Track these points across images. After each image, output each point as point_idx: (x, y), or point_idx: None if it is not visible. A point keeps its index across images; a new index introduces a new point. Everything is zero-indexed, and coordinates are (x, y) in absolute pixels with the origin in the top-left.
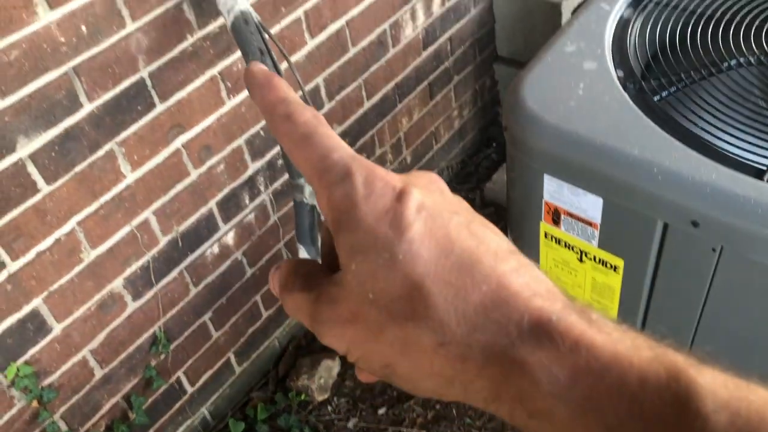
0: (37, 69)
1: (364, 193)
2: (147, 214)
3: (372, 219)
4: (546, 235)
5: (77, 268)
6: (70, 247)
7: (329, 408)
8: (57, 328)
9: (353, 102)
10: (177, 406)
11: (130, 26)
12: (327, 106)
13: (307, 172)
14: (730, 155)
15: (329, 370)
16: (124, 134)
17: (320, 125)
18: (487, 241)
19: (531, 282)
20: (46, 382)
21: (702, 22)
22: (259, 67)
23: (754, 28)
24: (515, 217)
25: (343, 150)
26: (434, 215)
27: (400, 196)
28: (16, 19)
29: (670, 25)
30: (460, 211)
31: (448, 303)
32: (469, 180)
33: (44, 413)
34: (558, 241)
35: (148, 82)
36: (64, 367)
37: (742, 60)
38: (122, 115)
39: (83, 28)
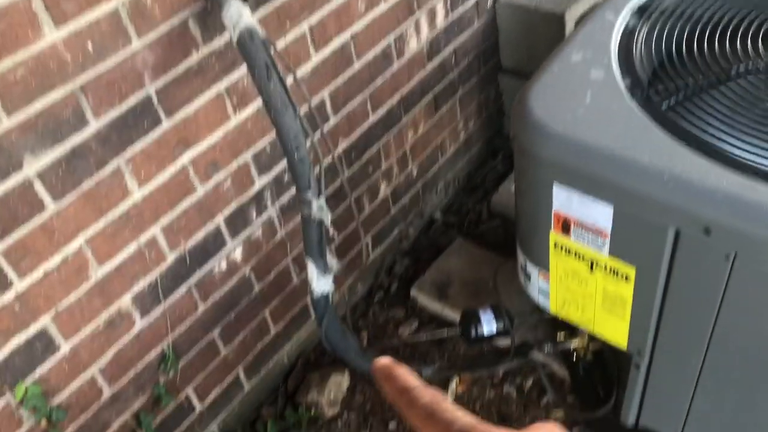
0: (44, 87)
1: None
2: (154, 230)
3: None
4: (556, 246)
5: (85, 286)
6: (77, 265)
7: (339, 423)
8: (65, 347)
9: (359, 115)
10: (186, 423)
11: (136, 43)
12: (332, 120)
13: None
14: (741, 160)
15: (339, 384)
16: (130, 151)
17: (440, 403)
18: None
19: None
20: (55, 401)
21: (708, 30)
22: (383, 362)
23: (761, 34)
24: (524, 228)
25: (462, 420)
26: None
27: None
28: (22, 37)
29: (676, 33)
30: None
31: None
32: (475, 192)
33: None
34: (568, 251)
35: (155, 99)
36: (73, 386)
37: (749, 66)
38: (129, 132)
39: (89, 45)
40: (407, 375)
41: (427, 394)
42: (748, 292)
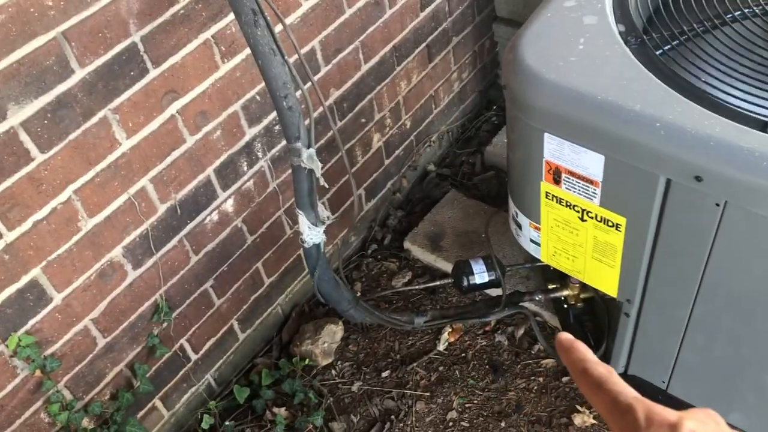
0: (25, 34)
1: (644, 426)
2: (144, 181)
3: None
4: (547, 195)
5: (75, 237)
6: (67, 216)
7: (333, 372)
8: (57, 298)
9: (350, 65)
10: (181, 373)
11: None
12: (324, 70)
13: (601, 411)
14: (734, 108)
15: (332, 334)
16: (117, 101)
17: (610, 376)
18: None
19: None
20: (49, 351)
21: None
22: (565, 336)
23: None
24: (515, 178)
25: (628, 393)
26: None
27: (675, 427)
28: None
29: None
30: None
31: None
32: (469, 144)
33: (48, 382)
34: (559, 201)
35: (141, 47)
36: (66, 337)
37: (746, 11)
38: (115, 81)
39: None
40: (585, 349)
41: (601, 367)
42: (738, 240)
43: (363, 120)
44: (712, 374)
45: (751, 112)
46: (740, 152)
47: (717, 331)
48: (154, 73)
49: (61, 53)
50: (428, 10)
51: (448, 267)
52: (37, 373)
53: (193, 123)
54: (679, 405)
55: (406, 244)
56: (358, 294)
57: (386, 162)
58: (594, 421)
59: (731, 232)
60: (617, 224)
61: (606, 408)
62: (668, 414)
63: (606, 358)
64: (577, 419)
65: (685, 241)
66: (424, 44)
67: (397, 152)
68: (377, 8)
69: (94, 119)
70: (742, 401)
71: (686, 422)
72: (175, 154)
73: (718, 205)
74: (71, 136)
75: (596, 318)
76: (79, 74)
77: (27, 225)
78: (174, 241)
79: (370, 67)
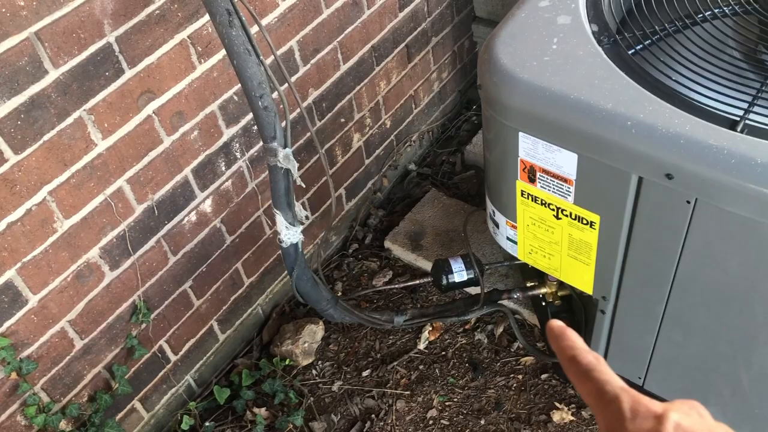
0: None
1: (629, 416)
2: (120, 182)
3: None
4: (522, 194)
5: (51, 239)
6: (42, 218)
7: (314, 372)
8: (33, 300)
9: (329, 65)
10: (160, 374)
11: None
12: (302, 70)
13: (587, 399)
14: (704, 107)
15: (313, 334)
16: (92, 101)
17: (598, 365)
18: None
19: None
20: (25, 353)
21: None
22: (556, 323)
23: None
24: (492, 178)
25: (615, 382)
26: None
27: (660, 418)
28: None
29: None
30: (717, 430)
31: None
32: (449, 143)
33: (24, 385)
34: (534, 199)
35: (116, 47)
36: (43, 339)
37: (716, 11)
38: (90, 81)
39: None
40: (575, 337)
41: (589, 356)
42: (709, 236)
43: (342, 120)
44: (687, 370)
45: (721, 110)
46: (710, 150)
47: (692, 326)
48: (129, 73)
49: (35, 53)
50: (407, 10)
51: (428, 266)
52: (13, 375)
53: (170, 123)
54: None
55: (387, 244)
56: (339, 293)
57: (366, 162)
58: (572, 418)
59: (702, 228)
60: (591, 222)
61: (592, 397)
62: (653, 405)
63: None
64: (556, 416)
65: (658, 238)
66: (403, 44)
67: (377, 152)
68: (355, 8)
69: (69, 120)
70: (718, 396)
71: (671, 413)
72: (152, 154)
73: (689, 202)
74: (46, 137)
75: (573, 315)
76: (53, 75)
77: (1, 227)
78: (152, 242)
79: (349, 67)
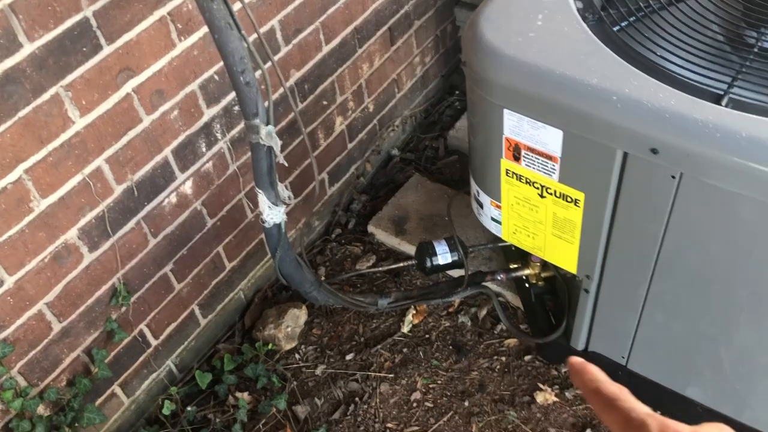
0: None
1: None
2: (99, 161)
3: None
4: (507, 173)
5: (27, 219)
6: (17, 197)
7: (297, 356)
8: (9, 281)
9: (311, 46)
10: (141, 359)
11: None
12: (284, 50)
13: (614, 429)
14: (689, 81)
15: (296, 318)
16: (70, 77)
17: (622, 394)
18: None
19: None
20: (1, 336)
21: None
22: (577, 360)
23: None
24: (477, 157)
25: (640, 409)
26: None
27: None
28: None
29: None
30: None
31: None
32: (432, 128)
33: (0, 368)
34: (519, 178)
35: (93, 22)
36: (19, 321)
37: None
38: (67, 56)
39: None
40: (596, 370)
41: (613, 386)
42: (693, 212)
43: (325, 102)
44: (670, 349)
45: (705, 85)
46: (695, 124)
47: (675, 306)
48: (108, 49)
49: (8, 26)
50: None
51: (412, 250)
52: None
53: (150, 102)
54: (643, 383)
55: (371, 228)
56: (323, 278)
57: (349, 146)
58: (556, 399)
59: (687, 204)
60: (576, 200)
61: (619, 425)
62: (681, 428)
63: (567, 335)
64: (540, 397)
65: (642, 215)
66: (385, 27)
67: (360, 136)
68: None
69: (46, 96)
70: (699, 375)
71: None
72: (132, 133)
73: (673, 177)
74: (21, 113)
75: (557, 296)
76: (28, 48)
77: None
78: (131, 224)
79: (331, 49)
